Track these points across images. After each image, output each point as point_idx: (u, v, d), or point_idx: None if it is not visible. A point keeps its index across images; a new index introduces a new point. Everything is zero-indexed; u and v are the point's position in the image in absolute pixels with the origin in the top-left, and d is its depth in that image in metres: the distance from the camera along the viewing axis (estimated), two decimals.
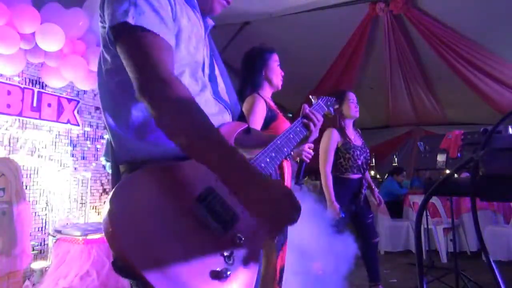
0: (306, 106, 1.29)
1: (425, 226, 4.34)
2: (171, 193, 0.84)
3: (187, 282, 0.76)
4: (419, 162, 3.94)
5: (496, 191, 0.62)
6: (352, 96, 3.00)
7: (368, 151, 3.05)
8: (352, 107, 2.97)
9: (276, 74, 2.13)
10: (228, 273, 0.81)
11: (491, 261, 0.64)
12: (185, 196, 0.85)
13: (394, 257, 4.69)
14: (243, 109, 1.89)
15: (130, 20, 0.86)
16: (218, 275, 0.80)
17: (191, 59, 1.00)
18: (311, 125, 1.23)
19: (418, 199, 5.10)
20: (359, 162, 2.92)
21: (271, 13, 4.37)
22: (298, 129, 1.20)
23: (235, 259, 0.85)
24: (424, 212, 4.12)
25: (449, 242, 4.52)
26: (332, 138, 2.91)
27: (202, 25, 1.09)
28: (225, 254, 0.84)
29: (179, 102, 0.85)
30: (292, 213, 0.83)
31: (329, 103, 1.44)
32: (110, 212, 0.74)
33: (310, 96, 1.38)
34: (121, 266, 0.73)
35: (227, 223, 0.86)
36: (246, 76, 2.15)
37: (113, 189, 0.77)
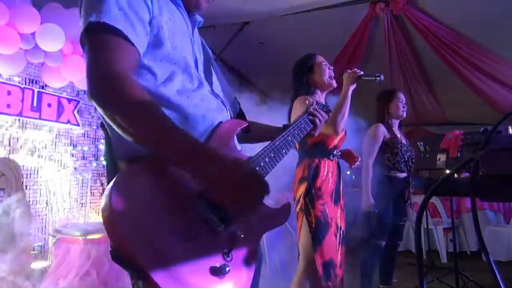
0: (310, 103, 1.34)
1: (425, 226, 4.34)
2: (171, 186, 0.84)
3: (186, 276, 0.76)
4: (419, 162, 3.93)
5: (496, 191, 0.62)
6: (401, 96, 3.01)
7: (412, 151, 2.99)
8: (400, 107, 2.96)
9: (323, 74, 2.22)
10: (227, 269, 0.82)
11: (491, 261, 0.64)
12: (186, 190, 0.84)
13: None
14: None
15: (93, 18, 0.85)
16: (217, 271, 0.80)
17: (179, 56, 0.98)
18: (317, 120, 1.27)
19: (418, 199, 5.10)
20: (406, 158, 2.87)
21: (271, 13, 4.37)
22: (303, 125, 1.23)
23: (234, 256, 0.85)
24: (424, 212, 4.12)
25: (449, 242, 4.52)
26: (378, 132, 2.89)
27: (189, 22, 1.08)
28: (224, 250, 0.84)
29: (131, 100, 0.83)
30: (249, 197, 0.82)
31: (325, 109, 1.48)
32: (110, 203, 0.73)
33: (307, 101, 1.41)
34: (120, 256, 0.73)
35: (227, 219, 0.86)
36: (293, 84, 2.28)
37: (113, 180, 0.76)
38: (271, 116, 2.11)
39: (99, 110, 0.83)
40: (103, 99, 0.83)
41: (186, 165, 0.83)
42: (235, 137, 1.05)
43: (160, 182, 0.82)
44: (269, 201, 0.96)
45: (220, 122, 1.03)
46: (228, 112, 1.10)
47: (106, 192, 0.75)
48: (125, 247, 0.71)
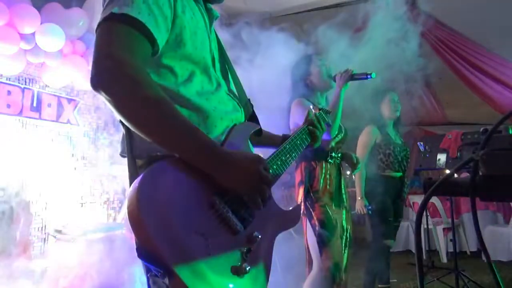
0: (311, 113, 1.32)
1: (425, 226, 4.35)
2: (194, 185, 0.85)
3: (209, 274, 0.78)
4: (419, 162, 3.93)
5: (496, 191, 0.62)
6: (393, 96, 3.01)
7: (408, 150, 3.05)
8: (391, 108, 2.99)
9: (321, 76, 2.22)
10: (247, 268, 0.84)
11: (491, 261, 0.64)
12: (208, 190, 0.85)
13: (394, 257, 4.68)
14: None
15: (115, 10, 0.83)
16: (237, 270, 0.83)
17: (199, 55, 0.98)
18: (316, 132, 1.26)
19: (418, 199, 5.10)
20: (400, 159, 2.93)
21: (271, 13, 4.37)
22: (304, 136, 1.22)
23: (251, 256, 0.88)
24: (424, 212, 4.12)
25: (449, 242, 4.52)
26: (370, 134, 2.96)
27: (207, 18, 1.07)
28: (244, 250, 0.87)
29: (140, 92, 0.80)
30: (260, 187, 0.87)
31: (328, 114, 1.47)
32: (136, 202, 0.74)
33: (311, 107, 1.40)
34: (146, 254, 0.74)
35: (247, 220, 0.89)
36: (291, 87, 2.29)
37: (138, 179, 0.77)
38: None
39: (109, 104, 0.80)
40: (112, 91, 0.80)
41: (203, 166, 0.84)
42: (248, 139, 1.07)
43: (183, 182, 0.83)
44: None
45: (235, 124, 1.03)
46: (243, 114, 1.10)
47: (131, 191, 0.76)
48: (151, 245, 0.73)
